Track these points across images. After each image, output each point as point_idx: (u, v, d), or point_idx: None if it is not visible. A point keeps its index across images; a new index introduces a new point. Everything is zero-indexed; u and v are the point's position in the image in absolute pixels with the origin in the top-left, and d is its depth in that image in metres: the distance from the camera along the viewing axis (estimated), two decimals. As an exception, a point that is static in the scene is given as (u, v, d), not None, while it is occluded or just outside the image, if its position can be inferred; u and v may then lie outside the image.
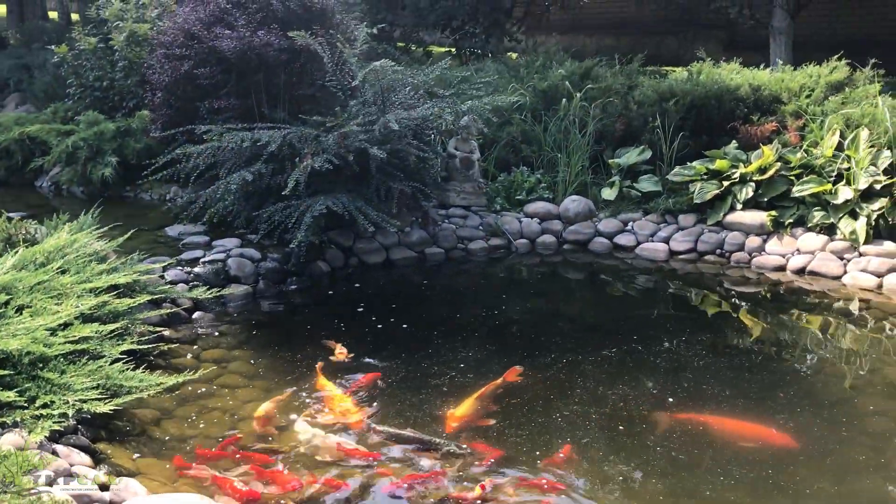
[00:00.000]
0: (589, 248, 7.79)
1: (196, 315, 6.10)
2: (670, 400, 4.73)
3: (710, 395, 4.84)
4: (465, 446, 4.19)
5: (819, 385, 5.09)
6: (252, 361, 5.43)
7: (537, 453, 4.19)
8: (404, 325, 5.99)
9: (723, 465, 4.09)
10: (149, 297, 5.57)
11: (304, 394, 4.88)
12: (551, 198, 8.19)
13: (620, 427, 4.47)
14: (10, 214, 7.35)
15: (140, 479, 3.89)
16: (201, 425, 4.57)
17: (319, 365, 5.17)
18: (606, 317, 6.54)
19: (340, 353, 5.40)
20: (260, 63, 7.75)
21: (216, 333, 5.91)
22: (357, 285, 6.93)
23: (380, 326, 5.97)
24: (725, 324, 6.25)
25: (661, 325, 6.15)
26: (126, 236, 6.17)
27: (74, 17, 17.12)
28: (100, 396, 4.17)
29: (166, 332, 5.74)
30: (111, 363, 4.54)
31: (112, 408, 4.14)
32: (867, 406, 4.78)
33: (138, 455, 4.20)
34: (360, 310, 6.33)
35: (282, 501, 3.80)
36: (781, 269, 7.02)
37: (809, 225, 7.09)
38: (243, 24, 7.77)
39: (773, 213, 7.24)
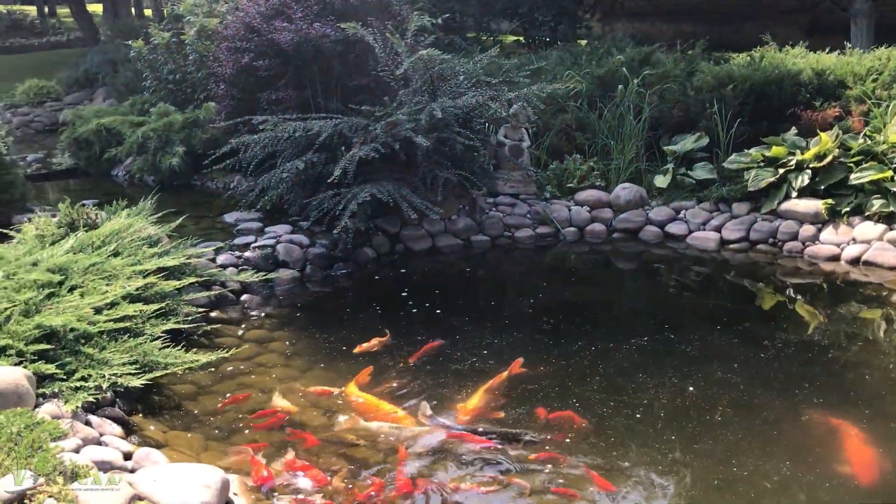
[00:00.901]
0: (639, 236, 7.69)
1: (244, 297, 6.38)
2: (690, 389, 4.68)
3: (732, 385, 4.75)
4: (535, 434, 4.23)
5: (859, 381, 4.92)
6: (291, 342, 5.65)
7: (548, 437, 4.23)
8: (438, 311, 6.09)
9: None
10: (195, 280, 5.84)
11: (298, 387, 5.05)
12: (603, 186, 8.12)
13: (637, 415, 4.45)
14: (85, 202, 7.84)
15: (166, 450, 4.13)
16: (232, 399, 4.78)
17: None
18: (646, 306, 6.48)
19: (366, 345, 5.41)
20: (316, 54, 7.97)
21: (262, 315, 6.15)
22: (403, 271, 7.07)
23: (415, 311, 6.10)
24: (768, 315, 6.07)
25: (700, 315, 6.06)
26: (178, 221, 6.48)
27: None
28: (134, 371, 4.44)
29: (214, 314, 6.04)
30: (151, 341, 4.82)
31: (143, 382, 4.40)
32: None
33: (169, 427, 4.45)
34: (404, 295, 6.45)
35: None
36: (835, 258, 6.78)
37: (867, 213, 6.82)
38: (301, 16, 8.00)
39: (830, 201, 6.99)
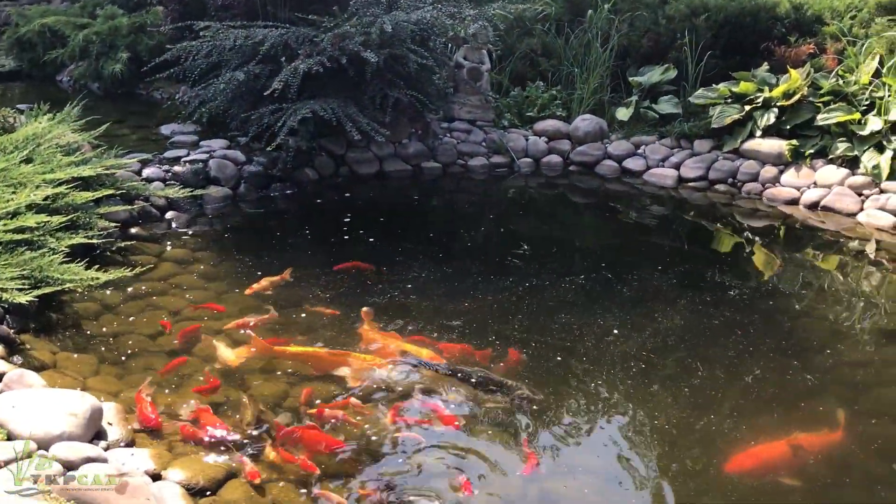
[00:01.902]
0: (596, 170, 7.38)
1: (169, 214, 6.04)
2: (615, 332, 4.43)
3: (661, 329, 4.51)
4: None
5: (795, 330, 4.69)
6: (212, 264, 5.35)
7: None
8: (372, 239, 5.78)
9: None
10: (113, 192, 5.49)
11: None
12: (564, 116, 7.75)
13: (557, 357, 4.21)
14: (19, 106, 7.43)
15: (50, 372, 3.86)
16: (135, 321, 4.51)
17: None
18: (591, 243, 6.23)
19: (257, 286, 4.92)
20: (265, -44, 7.44)
21: (189, 233, 5.84)
22: (347, 195, 6.73)
23: (347, 238, 5.79)
24: (716, 258, 5.84)
25: (645, 254, 5.79)
26: (102, 129, 6.06)
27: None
28: (22, 287, 4.13)
29: (133, 230, 5.71)
30: (53, 255, 4.50)
31: (32, 298, 4.08)
32: (850, 355, 4.40)
33: (61, 349, 4.16)
34: (343, 220, 6.11)
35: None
36: (794, 202, 6.51)
37: (831, 157, 6.52)
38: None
39: (794, 142, 6.67)
